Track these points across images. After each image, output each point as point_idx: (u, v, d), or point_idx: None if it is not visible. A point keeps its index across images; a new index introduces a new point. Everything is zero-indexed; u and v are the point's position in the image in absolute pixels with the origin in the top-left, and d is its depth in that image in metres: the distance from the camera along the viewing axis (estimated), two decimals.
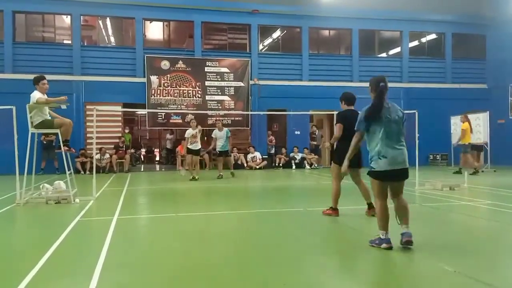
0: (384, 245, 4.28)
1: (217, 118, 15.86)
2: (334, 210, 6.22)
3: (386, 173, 4.23)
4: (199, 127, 12.37)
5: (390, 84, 4.43)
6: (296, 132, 18.50)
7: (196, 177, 12.13)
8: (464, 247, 4.52)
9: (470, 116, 16.01)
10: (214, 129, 13.44)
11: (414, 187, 9.30)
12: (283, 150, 17.91)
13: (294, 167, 17.43)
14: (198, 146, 12.19)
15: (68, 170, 7.89)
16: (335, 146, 6.42)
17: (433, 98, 18.55)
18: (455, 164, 15.08)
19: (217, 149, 13.03)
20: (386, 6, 18.41)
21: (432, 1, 19.03)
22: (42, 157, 14.60)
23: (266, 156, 17.82)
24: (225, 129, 12.99)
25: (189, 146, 12.13)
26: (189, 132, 12.21)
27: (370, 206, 6.23)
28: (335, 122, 6.26)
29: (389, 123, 4.25)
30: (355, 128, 4.51)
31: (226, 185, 11.28)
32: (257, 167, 17.05)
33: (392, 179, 4.30)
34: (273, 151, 18.31)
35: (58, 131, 7.65)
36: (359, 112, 6.34)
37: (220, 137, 12.80)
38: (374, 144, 4.30)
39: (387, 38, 20.75)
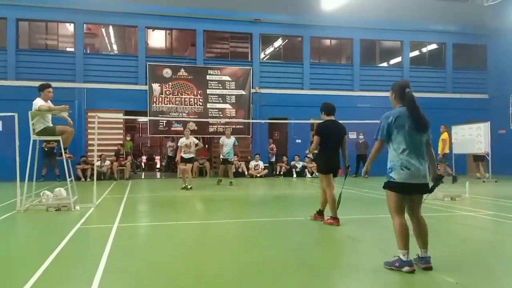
0: (406, 268, 3.80)
1: (226, 127, 16.13)
2: (335, 219, 6.21)
3: (406, 186, 3.89)
4: (192, 138, 12.36)
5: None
6: (297, 141, 18.48)
7: (189, 186, 11.87)
8: (466, 258, 4.49)
9: (470, 126, 16.06)
10: (220, 136, 13.94)
11: None
12: (284, 159, 17.92)
13: (295, 175, 17.40)
14: (190, 155, 12.25)
15: (69, 177, 7.89)
16: (316, 155, 6.57)
17: (433, 108, 18.16)
18: (457, 174, 15.05)
19: (221, 156, 13.41)
20: (387, 16, 18.52)
21: (433, 11, 19.16)
22: (43, 164, 14.62)
23: (267, 165, 17.82)
24: (233, 138, 13.40)
25: (182, 155, 12.17)
26: (182, 141, 12.21)
27: (320, 213, 6.48)
28: (313, 132, 6.35)
29: (412, 134, 3.93)
30: (375, 137, 4.04)
31: (227, 193, 11.26)
32: (258, 175, 17.04)
33: (411, 192, 3.96)
34: (274, 159, 18.31)
35: (59, 138, 7.68)
36: (339, 122, 6.48)
37: (227, 144, 13.25)
38: (397, 154, 3.91)
39: (388, 47, 20.83)
